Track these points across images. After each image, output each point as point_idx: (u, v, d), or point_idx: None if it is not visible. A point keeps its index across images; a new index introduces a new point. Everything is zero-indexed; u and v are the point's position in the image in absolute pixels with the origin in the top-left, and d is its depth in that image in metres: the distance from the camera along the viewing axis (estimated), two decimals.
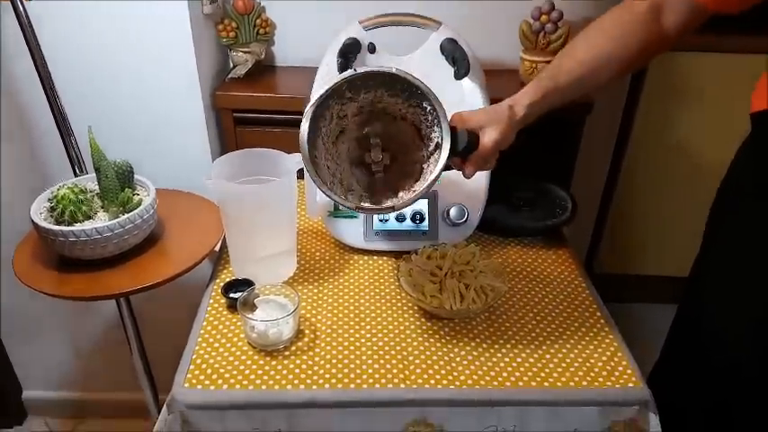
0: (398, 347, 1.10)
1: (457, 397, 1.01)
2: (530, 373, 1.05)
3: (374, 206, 1.12)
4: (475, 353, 1.09)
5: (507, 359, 1.08)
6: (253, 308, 1.14)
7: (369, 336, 1.13)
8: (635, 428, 1.04)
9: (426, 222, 1.35)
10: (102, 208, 1.30)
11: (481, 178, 1.34)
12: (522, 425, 1.03)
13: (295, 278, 1.28)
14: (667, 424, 1.03)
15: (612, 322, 1.18)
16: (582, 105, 1.60)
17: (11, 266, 1.27)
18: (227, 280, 1.24)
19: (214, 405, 1.00)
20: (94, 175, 1.29)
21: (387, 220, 1.35)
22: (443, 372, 1.05)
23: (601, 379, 1.05)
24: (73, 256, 1.23)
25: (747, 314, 1.13)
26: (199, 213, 1.44)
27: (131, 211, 1.24)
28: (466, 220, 1.34)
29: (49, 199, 1.26)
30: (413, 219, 1.35)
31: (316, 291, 1.25)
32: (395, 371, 1.05)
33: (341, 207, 1.33)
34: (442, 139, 1.08)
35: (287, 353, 1.09)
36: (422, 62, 1.33)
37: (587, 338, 1.14)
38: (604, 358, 1.09)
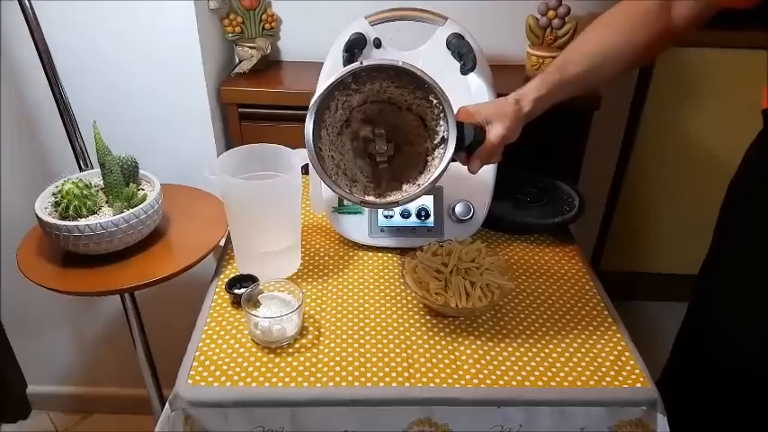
0: (403, 345, 1.10)
1: (462, 396, 1.01)
2: (536, 373, 1.04)
3: (378, 200, 1.12)
4: (480, 351, 1.09)
5: (513, 358, 1.07)
6: (257, 304, 1.13)
7: (373, 333, 1.12)
8: (642, 429, 1.03)
9: (432, 219, 1.34)
10: (107, 203, 1.29)
11: (487, 174, 1.33)
12: (529, 424, 1.02)
13: (299, 274, 1.28)
14: (675, 424, 1.02)
15: (620, 321, 1.17)
16: (590, 101, 1.59)
17: (15, 261, 1.27)
18: (232, 276, 1.23)
19: (217, 402, 0.99)
20: (99, 169, 1.29)
21: (392, 217, 1.34)
22: (448, 370, 1.04)
23: (608, 379, 1.04)
24: (77, 252, 1.23)
25: (759, 313, 1.12)
26: (203, 208, 1.43)
27: (136, 206, 1.24)
28: (472, 217, 1.33)
29: (54, 194, 1.26)
30: (418, 215, 1.34)
31: (320, 287, 1.24)
32: (399, 369, 1.04)
33: (345, 202, 1.33)
34: (447, 134, 1.07)
35: (291, 350, 1.08)
36: (428, 57, 1.32)
37: (594, 337, 1.13)
38: (612, 358, 1.08)
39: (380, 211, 1.34)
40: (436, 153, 1.12)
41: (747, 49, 1.83)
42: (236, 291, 1.17)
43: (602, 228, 2.19)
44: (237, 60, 1.70)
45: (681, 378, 1.28)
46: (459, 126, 1.07)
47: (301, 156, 1.17)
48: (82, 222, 1.20)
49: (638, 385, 1.03)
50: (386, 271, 1.29)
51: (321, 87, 1.06)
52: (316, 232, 1.41)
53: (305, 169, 1.18)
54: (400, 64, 1.04)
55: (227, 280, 1.21)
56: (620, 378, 1.04)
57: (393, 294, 1.22)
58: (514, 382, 1.03)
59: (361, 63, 1.04)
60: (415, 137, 1.15)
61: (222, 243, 1.35)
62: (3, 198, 1.70)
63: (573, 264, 1.33)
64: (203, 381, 1.02)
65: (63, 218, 1.22)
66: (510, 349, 1.09)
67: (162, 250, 1.31)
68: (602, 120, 1.72)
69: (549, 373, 1.04)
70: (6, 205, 1.71)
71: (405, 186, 1.13)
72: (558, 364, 1.06)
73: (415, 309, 1.19)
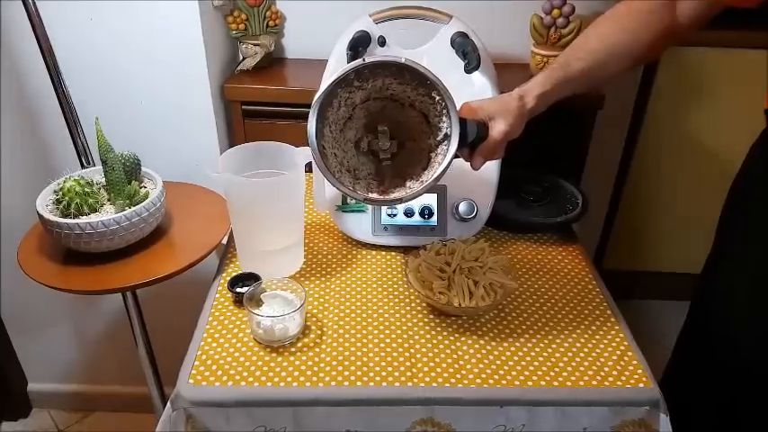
0: (406, 345, 1.09)
1: (465, 396, 1.00)
2: (539, 372, 1.04)
3: (382, 198, 1.12)
4: (483, 351, 1.08)
5: (516, 357, 1.07)
6: (259, 303, 1.13)
7: (376, 332, 1.12)
8: (645, 429, 1.03)
9: (435, 217, 1.34)
10: (109, 201, 1.29)
11: (491, 173, 1.33)
12: (531, 424, 1.02)
13: (302, 273, 1.27)
14: (676, 424, 1.02)
15: (623, 320, 1.17)
16: (593, 100, 1.58)
17: (16, 259, 1.26)
18: (234, 274, 1.23)
19: (219, 402, 0.99)
20: (101, 167, 1.28)
21: (395, 215, 1.33)
22: (451, 370, 1.04)
23: (611, 378, 1.04)
24: (79, 250, 1.23)
25: (760, 314, 1.11)
26: (206, 206, 1.43)
27: (138, 203, 1.24)
28: (475, 216, 1.33)
29: (55, 191, 1.25)
30: (421, 214, 1.33)
31: (323, 286, 1.24)
32: (402, 368, 1.04)
33: (349, 200, 1.32)
34: (450, 130, 1.07)
35: (293, 349, 1.08)
36: (432, 56, 1.32)
37: (597, 337, 1.12)
38: (614, 357, 1.08)
39: (384, 209, 1.33)
40: (439, 149, 1.12)
41: (750, 49, 1.83)
42: (238, 289, 1.17)
43: (605, 227, 2.19)
44: (241, 58, 1.69)
45: (682, 378, 1.28)
46: (462, 122, 1.07)
47: (305, 154, 1.16)
48: (83, 220, 1.20)
49: (641, 385, 1.03)
50: (389, 270, 1.29)
51: (324, 85, 1.06)
52: (319, 230, 1.41)
53: (308, 167, 1.17)
54: (403, 61, 1.04)
55: (229, 278, 1.21)
56: (623, 378, 1.04)
57: (396, 293, 1.22)
58: (517, 382, 1.02)
59: (364, 60, 1.04)
60: (417, 133, 1.14)
61: (225, 241, 1.34)
62: (4, 196, 1.70)
63: (576, 263, 1.33)
64: (205, 380, 1.01)
65: (64, 215, 1.22)
66: (513, 349, 1.09)
67: (164, 248, 1.30)
68: (606, 119, 1.71)
69: (552, 373, 1.04)
70: (7, 203, 1.70)
71: (408, 183, 1.13)
72: (560, 364, 1.06)
73: (418, 308, 1.18)
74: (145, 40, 1.48)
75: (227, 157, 1.20)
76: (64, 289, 1.20)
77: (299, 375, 1.02)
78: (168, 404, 1.00)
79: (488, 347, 1.09)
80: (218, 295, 1.20)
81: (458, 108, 1.08)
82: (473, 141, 1.09)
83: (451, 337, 1.11)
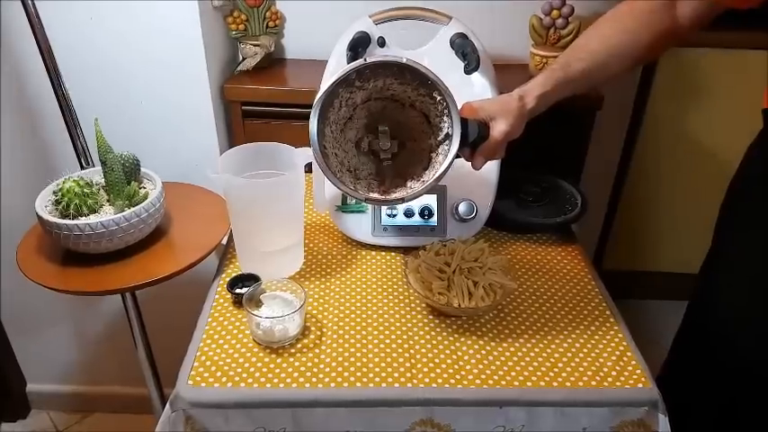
0: (405, 345, 1.09)
1: (464, 397, 1.00)
2: (538, 373, 1.04)
3: (383, 198, 1.12)
4: (483, 351, 1.08)
5: (516, 358, 1.07)
6: (258, 304, 1.13)
7: (375, 333, 1.12)
8: (644, 429, 1.03)
9: (435, 218, 1.34)
10: (108, 201, 1.29)
11: (490, 174, 1.33)
12: (531, 425, 1.02)
13: (302, 273, 1.27)
14: (675, 423, 1.02)
15: (622, 321, 1.17)
16: (592, 101, 1.59)
17: (15, 260, 1.26)
18: (233, 275, 1.23)
19: (218, 403, 0.99)
20: (100, 167, 1.28)
21: (395, 216, 1.33)
22: (451, 371, 1.04)
23: (610, 379, 1.04)
24: (78, 250, 1.22)
25: (759, 314, 1.12)
26: (205, 207, 1.43)
27: (137, 204, 1.24)
28: (475, 216, 1.33)
29: (54, 192, 1.25)
30: (421, 214, 1.33)
31: (323, 287, 1.24)
32: (402, 369, 1.04)
33: (349, 200, 1.32)
34: (452, 130, 1.07)
35: (293, 350, 1.08)
36: (432, 57, 1.32)
37: (596, 337, 1.12)
38: (614, 358, 1.08)
39: (384, 209, 1.33)
40: (440, 149, 1.12)
41: (748, 50, 1.83)
42: (237, 290, 1.17)
43: (604, 227, 2.19)
44: (241, 58, 1.69)
45: (680, 378, 1.28)
46: (463, 122, 1.07)
47: (304, 154, 1.16)
48: (82, 221, 1.19)
49: (640, 386, 1.03)
50: (389, 270, 1.29)
51: (325, 84, 1.06)
52: (319, 231, 1.41)
53: (308, 168, 1.17)
54: (404, 61, 1.04)
55: (228, 279, 1.21)
56: (622, 378, 1.04)
57: (396, 294, 1.22)
58: (517, 383, 1.02)
59: (365, 60, 1.04)
60: (418, 133, 1.15)
61: (224, 241, 1.34)
62: (3, 196, 1.69)
63: (575, 263, 1.33)
64: (204, 381, 1.01)
65: (63, 216, 1.22)
66: (512, 349, 1.09)
67: (163, 249, 1.30)
68: (605, 120, 1.72)
69: (552, 374, 1.04)
70: (7, 203, 1.70)
71: (409, 183, 1.13)
72: (560, 365, 1.06)
73: (418, 308, 1.18)
74: (145, 41, 1.48)
75: (227, 158, 1.20)
76: (63, 290, 1.20)
77: (299, 376, 1.02)
78: (167, 405, 1.00)
79: (488, 348, 1.09)
80: (217, 296, 1.20)
81: (458, 108, 1.08)
82: (474, 141, 1.10)
83: (451, 338, 1.11)
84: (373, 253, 1.34)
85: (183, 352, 1.07)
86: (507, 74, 1.53)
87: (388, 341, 1.10)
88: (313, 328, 1.12)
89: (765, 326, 1.10)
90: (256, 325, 1.07)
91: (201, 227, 1.36)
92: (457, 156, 1.09)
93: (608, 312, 1.19)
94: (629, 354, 1.09)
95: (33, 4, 1.25)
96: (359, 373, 1.03)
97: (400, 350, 1.08)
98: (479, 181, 1.31)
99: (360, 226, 1.34)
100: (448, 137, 1.09)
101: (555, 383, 1.03)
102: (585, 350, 1.09)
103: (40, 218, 1.21)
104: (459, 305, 1.11)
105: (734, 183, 1.21)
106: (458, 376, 1.03)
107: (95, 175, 1.34)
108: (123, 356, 1.94)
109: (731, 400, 1.19)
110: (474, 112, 1.11)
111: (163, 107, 1.57)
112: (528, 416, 1.01)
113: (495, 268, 1.18)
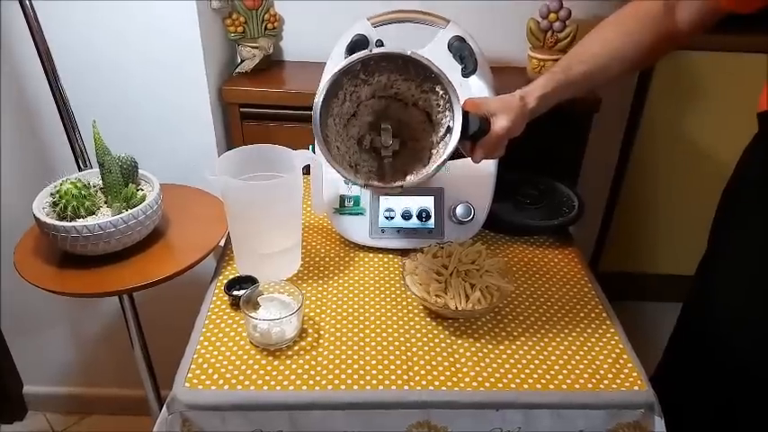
0: (402, 348, 1.09)
1: (461, 399, 1.01)
2: (535, 375, 1.04)
3: (383, 184, 1.11)
4: (480, 354, 1.09)
5: (512, 360, 1.07)
6: (256, 306, 1.13)
7: (373, 335, 1.12)
8: (640, 431, 1.03)
9: (432, 220, 1.34)
10: (106, 203, 1.29)
11: (488, 176, 1.33)
12: (527, 427, 1.02)
13: (299, 275, 1.27)
14: (671, 425, 1.02)
15: (618, 323, 1.17)
16: (589, 103, 1.59)
17: (12, 261, 1.26)
18: (231, 277, 1.23)
19: (215, 406, 0.99)
20: (98, 169, 1.28)
21: (392, 218, 1.34)
22: (448, 373, 1.04)
23: (606, 381, 1.04)
24: (75, 252, 1.23)
25: (755, 315, 1.12)
26: (203, 209, 1.43)
27: (135, 206, 1.24)
28: (472, 218, 1.33)
29: (52, 194, 1.25)
30: (419, 216, 1.34)
31: (320, 289, 1.24)
32: (399, 372, 1.04)
33: (347, 202, 1.32)
34: (453, 122, 1.07)
35: (290, 352, 1.08)
36: (429, 60, 1.32)
37: (593, 340, 1.13)
38: (610, 360, 1.08)
39: (381, 212, 1.33)
40: (441, 144, 1.12)
41: (745, 53, 1.83)
42: (234, 292, 1.17)
43: (601, 229, 2.19)
44: (239, 60, 1.69)
45: (675, 379, 1.28)
46: (465, 114, 1.08)
47: (302, 156, 1.16)
48: (80, 223, 1.19)
49: (636, 388, 1.03)
50: (386, 272, 1.29)
51: (329, 74, 1.06)
52: (316, 233, 1.41)
53: (306, 170, 1.17)
54: (408, 53, 1.05)
55: (226, 281, 1.21)
56: (618, 380, 1.04)
57: (393, 296, 1.22)
58: (513, 385, 1.03)
59: (371, 51, 1.05)
60: (420, 132, 1.15)
61: (222, 244, 1.34)
62: (1, 198, 1.69)
63: (572, 265, 1.33)
64: (201, 384, 1.01)
65: (61, 218, 1.22)
66: (509, 351, 1.09)
67: (161, 251, 1.30)
68: (602, 122, 1.72)
69: (548, 376, 1.04)
70: (4, 205, 1.70)
71: (409, 177, 1.13)
72: (556, 367, 1.06)
73: (415, 310, 1.19)
74: (143, 42, 1.48)
75: (225, 160, 1.20)
76: (60, 292, 1.20)
77: (296, 379, 1.02)
78: (164, 407, 1.00)
79: (485, 350, 1.09)
80: (214, 298, 1.20)
81: (461, 102, 1.08)
82: (475, 134, 1.10)
83: (448, 340, 1.11)
84: (371, 255, 1.34)
85: (180, 354, 1.07)
86: (505, 77, 1.54)
87: (385, 343, 1.10)
88: (310, 331, 1.13)
89: (762, 326, 1.11)
90: (253, 327, 1.07)
91: (199, 229, 1.37)
92: (458, 152, 1.10)
93: (604, 314, 1.19)
94: (625, 356, 1.09)
95: (31, 5, 1.25)
96: (356, 376, 1.03)
97: (397, 352, 1.08)
98: (477, 183, 1.32)
99: (357, 228, 1.34)
100: (449, 130, 1.09)
101: (551, 386, 1.03)
102: (582, 352, 1.10)
103: (37, 220, 1.21)
104: (457, 307, 1.11)
105: (730, 185, 1.21)
106: (455, 378, 1.03)
107: (93, 176, 1.34)
108: (120, 358, 1.94)
109: (728, 401, 1.19)
110: (476, 107, 1.11)
111: (161, 109, 1.57)
112: (525, 418, 1.01)
113: (493, 270, 1.18)
